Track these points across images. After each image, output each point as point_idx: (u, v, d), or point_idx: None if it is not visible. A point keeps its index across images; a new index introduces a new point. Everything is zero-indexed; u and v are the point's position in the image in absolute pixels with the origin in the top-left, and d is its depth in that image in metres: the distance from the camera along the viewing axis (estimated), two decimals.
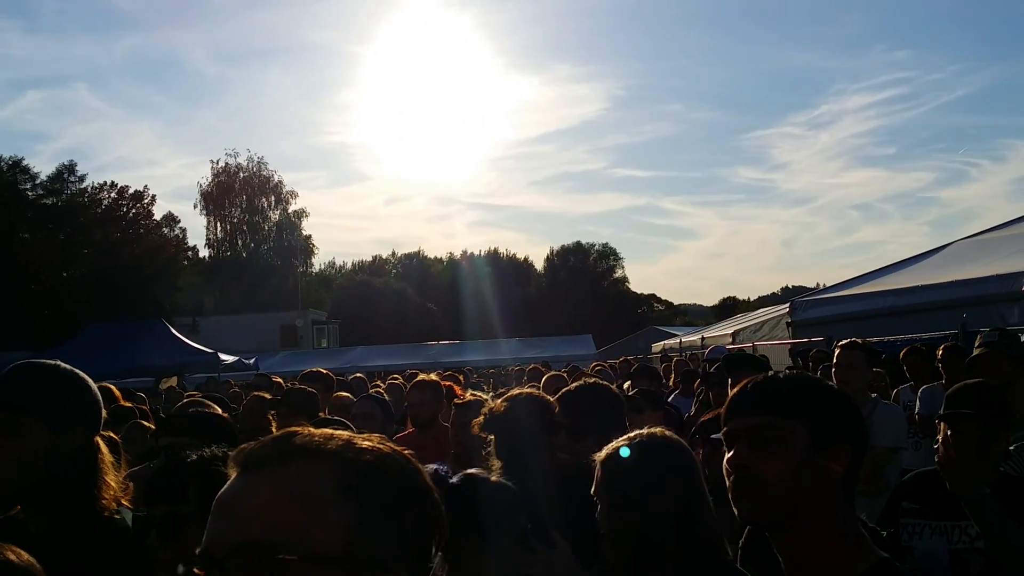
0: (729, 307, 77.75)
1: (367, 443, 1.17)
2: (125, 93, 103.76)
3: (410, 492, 1.17)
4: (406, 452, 1.20)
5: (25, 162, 64.40)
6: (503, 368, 25.14)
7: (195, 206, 71.75)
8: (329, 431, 1.18)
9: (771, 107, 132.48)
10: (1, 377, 2.52)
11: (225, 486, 1.14)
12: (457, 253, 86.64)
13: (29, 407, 2.41)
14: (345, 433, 1.19)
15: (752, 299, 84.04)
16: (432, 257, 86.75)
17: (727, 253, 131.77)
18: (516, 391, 3.91)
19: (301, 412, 5.46)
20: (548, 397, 3.89)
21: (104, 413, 2.65)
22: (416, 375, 8.18)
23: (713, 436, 2.17)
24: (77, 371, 2.62)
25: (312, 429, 1.18)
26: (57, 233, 63.09)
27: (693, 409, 8.61)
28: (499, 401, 3.72)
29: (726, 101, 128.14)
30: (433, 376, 7.07)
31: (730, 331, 21.12)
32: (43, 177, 64.68)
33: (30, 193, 63.98)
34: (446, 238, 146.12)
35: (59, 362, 2.62)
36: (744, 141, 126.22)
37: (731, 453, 1.93)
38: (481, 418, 3.65)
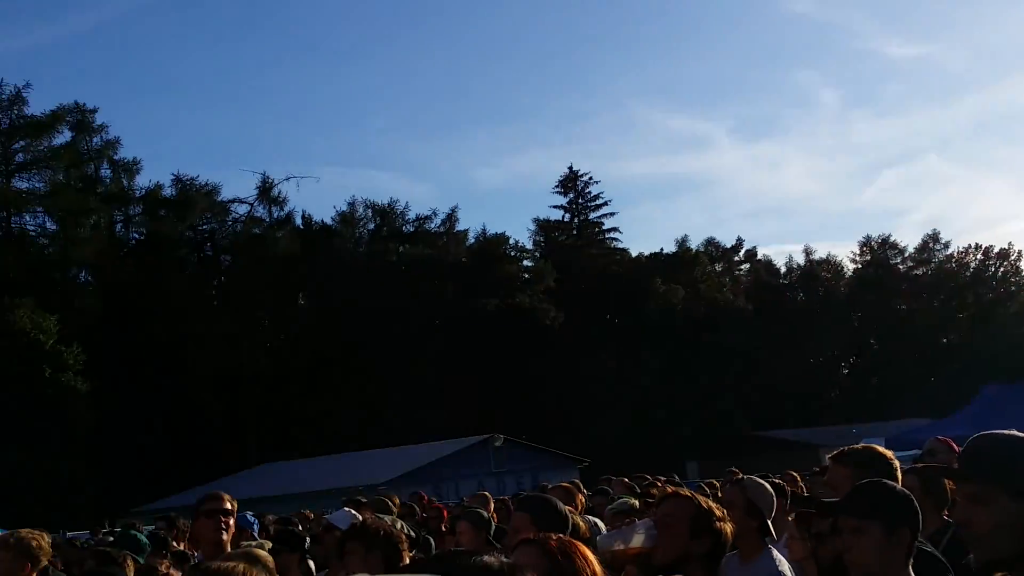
0: None
1: None
2: (972, 154, 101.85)
3: None
4: None
5: (892, 238, 67.64)
6: None
7: None
8: None
9: None
10: (965, 450, 2.68)
11: None
12: None
13: (993, 476, 2.47)
14: None
15: None
16: None
17: None
18: None
19: None
20: None
21: None
22: None
23: None
24: None
25: None
26: (931, 301, 64.21)
27: None
28: None
29: None
30: None
31: None
32: (910, 249, 66.96)
33: (900, 267, 66.68)
34: None
35: (1015, 431, 2.74)
36: None
37: None
38: None
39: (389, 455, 39.08)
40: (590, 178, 67.72)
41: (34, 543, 4.66)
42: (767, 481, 5.45)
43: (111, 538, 7.63)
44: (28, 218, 52.51)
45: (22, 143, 51.29)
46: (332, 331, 53.33)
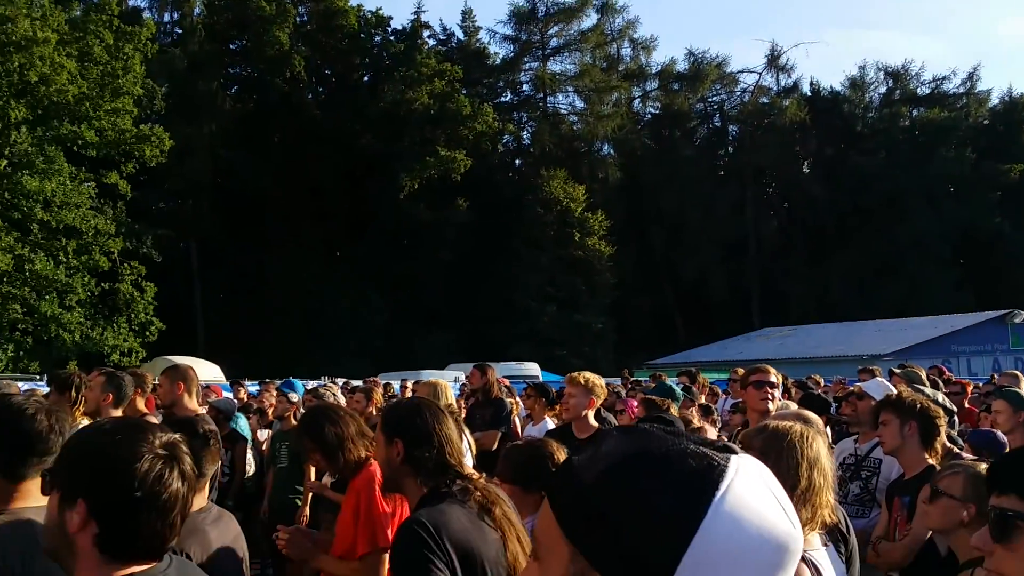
0: None
1: None
2: None
3: None
4: None
5: None
6: None
7: None
8: None
9: None
10: None
11: None
12: None
13: None
14: None
15: None
16: None
17: None
18: None
19: None
20: None
21: None
22: None
23: None
24: None
25: None
26: None
27: None
28: None
29: None
30: None
31: None
32: None
33: None
34: None
35: None
36: None
37: None
38: None
39: (893, 326, 37.27)
40: None
41: (597, 383, 5.26)
42: None
43: (652, 385, 8.29)
44: (560, 97, 57.12)
45: (556, 28, 55.43)
46: (838, 199, 51.44)
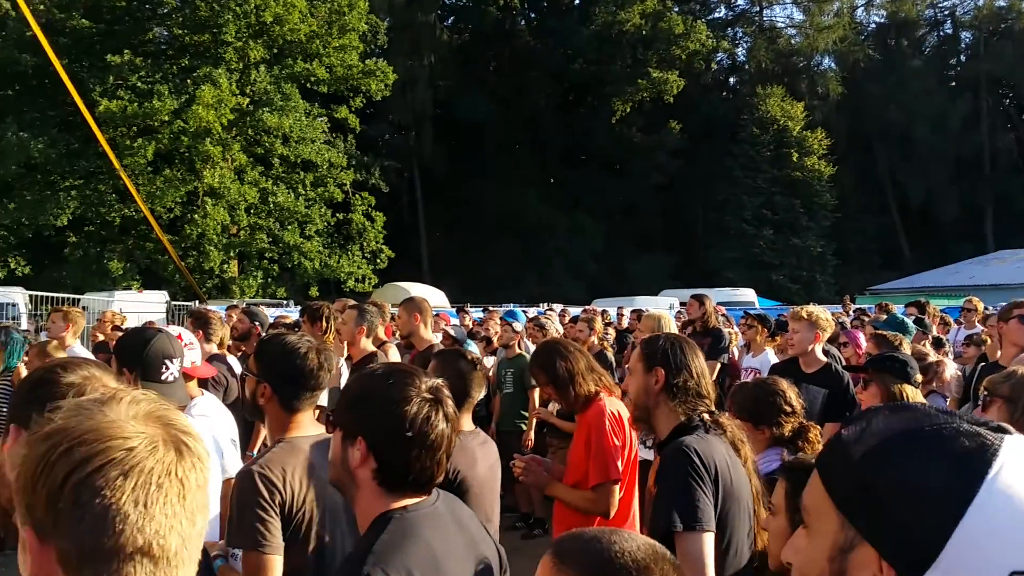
0: None
1: None
2: None
3: None
4: None
5: None
6: None
7: None
8: None
9: None
10: None
11: None
12: None
13: None
14: None
15: None
16: None
17: None
18: None
19: None
20: None
21: None
22: None
23: None
24: None
25: None
26: None
27: None
28: None
29: None
30: None
31: None
32: None
33: None
34: None
35: None
36: None
37: None
38: None
39: None
40: None
41: (823, 317, 5.12)
42: None
43: (879, 317, 7.92)
44: (777, 10, 54.40)
45: None
46: None
